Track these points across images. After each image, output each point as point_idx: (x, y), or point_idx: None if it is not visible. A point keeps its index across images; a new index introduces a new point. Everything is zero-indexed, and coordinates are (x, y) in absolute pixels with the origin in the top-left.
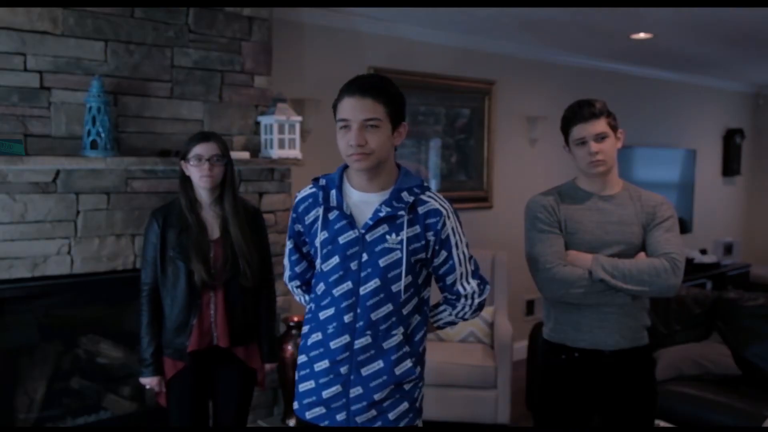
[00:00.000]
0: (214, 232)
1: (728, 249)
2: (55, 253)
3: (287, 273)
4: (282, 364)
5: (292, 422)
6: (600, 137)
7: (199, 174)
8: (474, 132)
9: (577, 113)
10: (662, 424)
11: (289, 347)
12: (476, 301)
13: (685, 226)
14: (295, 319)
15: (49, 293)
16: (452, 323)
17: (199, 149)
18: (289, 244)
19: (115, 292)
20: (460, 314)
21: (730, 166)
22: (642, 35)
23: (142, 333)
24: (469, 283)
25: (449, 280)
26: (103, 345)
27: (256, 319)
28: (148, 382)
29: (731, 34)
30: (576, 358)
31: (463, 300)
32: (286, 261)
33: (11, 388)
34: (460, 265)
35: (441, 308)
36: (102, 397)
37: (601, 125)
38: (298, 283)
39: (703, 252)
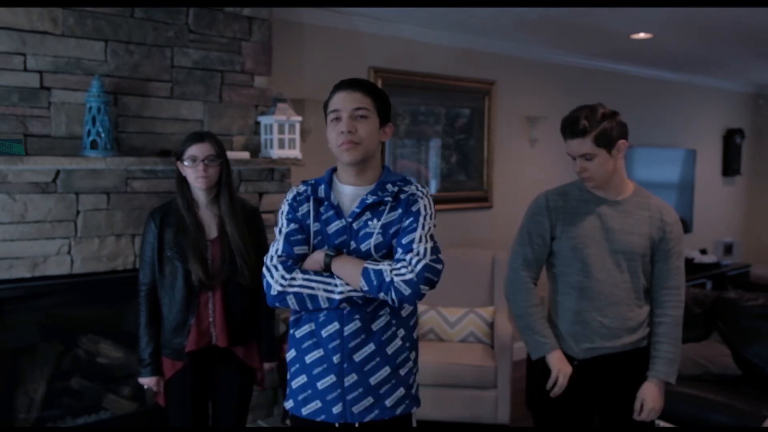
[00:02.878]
0: (212, 231)
1: (728, 249)
2: (55, 253)
3: (283, 251)
4: (281, 364)
5: None
6: (585, 158)
7: (194, 175)
8: (474, 132)
9: (566, 128)
10: (662, 424)
11: None
12: (421, 262)
13: (685, 226)
14: None
15: (49, 293)
16: (382, 274)
17: (194, 150)
18: (291, 226)
19: (115, 292)
20: (395, 269)
21: (730, 166)
22: (642, 35)
23: (140, 333)
24: (422, 243)
25: (406, 239)
26: (103, 345)
27: (254, 319)
28: (147, 382)
29: (731, 34)
30: (578, 359)
31: (410, 255)
32: (282, 244)
33: (11, 388)
34: (422, 228)
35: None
36: (102, 397)
37: (585, 146)
38: (291, 262)
39: (703, 252)
